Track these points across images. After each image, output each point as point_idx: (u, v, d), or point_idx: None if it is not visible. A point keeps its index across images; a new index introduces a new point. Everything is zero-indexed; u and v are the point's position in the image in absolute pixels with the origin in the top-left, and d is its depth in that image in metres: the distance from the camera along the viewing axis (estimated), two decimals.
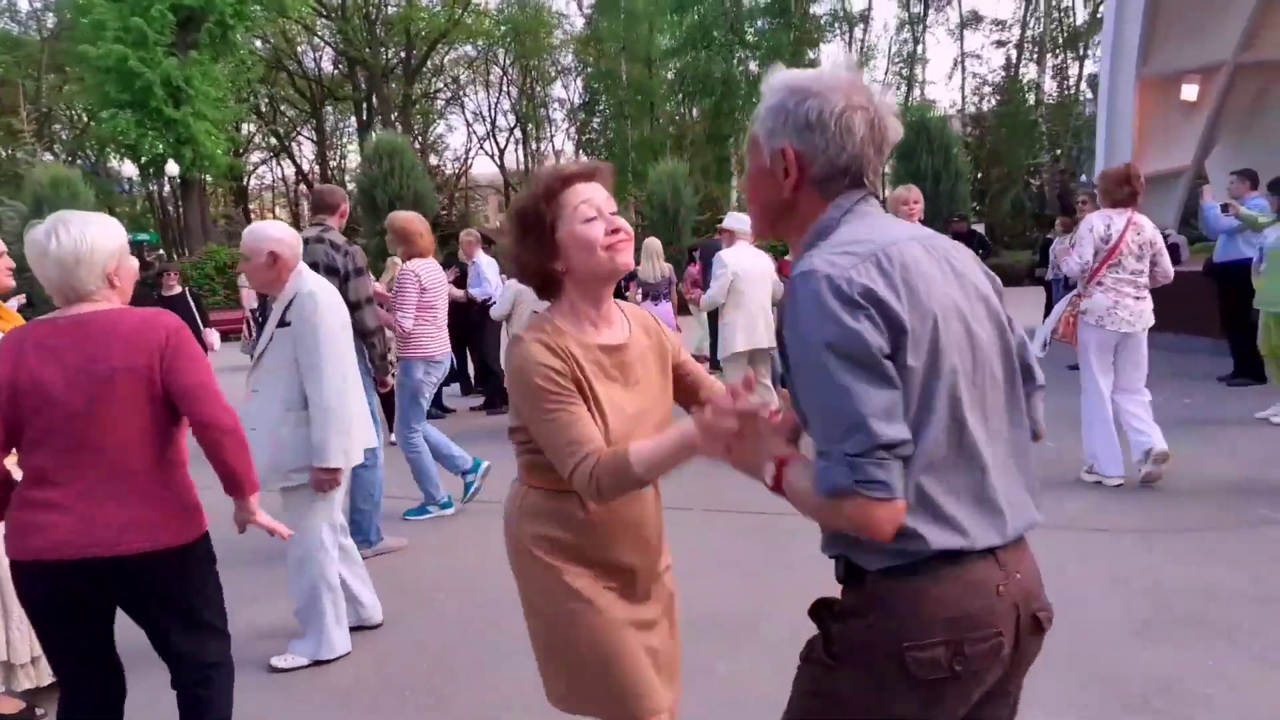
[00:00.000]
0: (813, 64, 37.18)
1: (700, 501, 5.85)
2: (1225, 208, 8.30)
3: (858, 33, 39.12)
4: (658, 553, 2.17)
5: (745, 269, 7.16)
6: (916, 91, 39.39)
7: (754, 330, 7.14)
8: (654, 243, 10.36)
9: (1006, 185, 30.07)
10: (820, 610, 1.61)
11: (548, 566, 2.05)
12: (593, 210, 1.98)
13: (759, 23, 33.51)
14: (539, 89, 43.65)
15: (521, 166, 44.58)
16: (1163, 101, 13.03)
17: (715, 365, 10.89)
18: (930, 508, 1.44)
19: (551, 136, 45.88)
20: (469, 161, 46.23)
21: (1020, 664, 1.57)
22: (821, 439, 1.42)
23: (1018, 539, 1.54)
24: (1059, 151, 33.70)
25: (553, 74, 43.53)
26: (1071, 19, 35.23)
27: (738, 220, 7.61)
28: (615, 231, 1.98)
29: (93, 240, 2.35)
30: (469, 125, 48.52)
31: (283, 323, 3.48)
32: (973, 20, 38.49)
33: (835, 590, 1.60)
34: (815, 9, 35.47)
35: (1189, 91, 12.90)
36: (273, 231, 3.53)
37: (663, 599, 2.18)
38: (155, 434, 2.37)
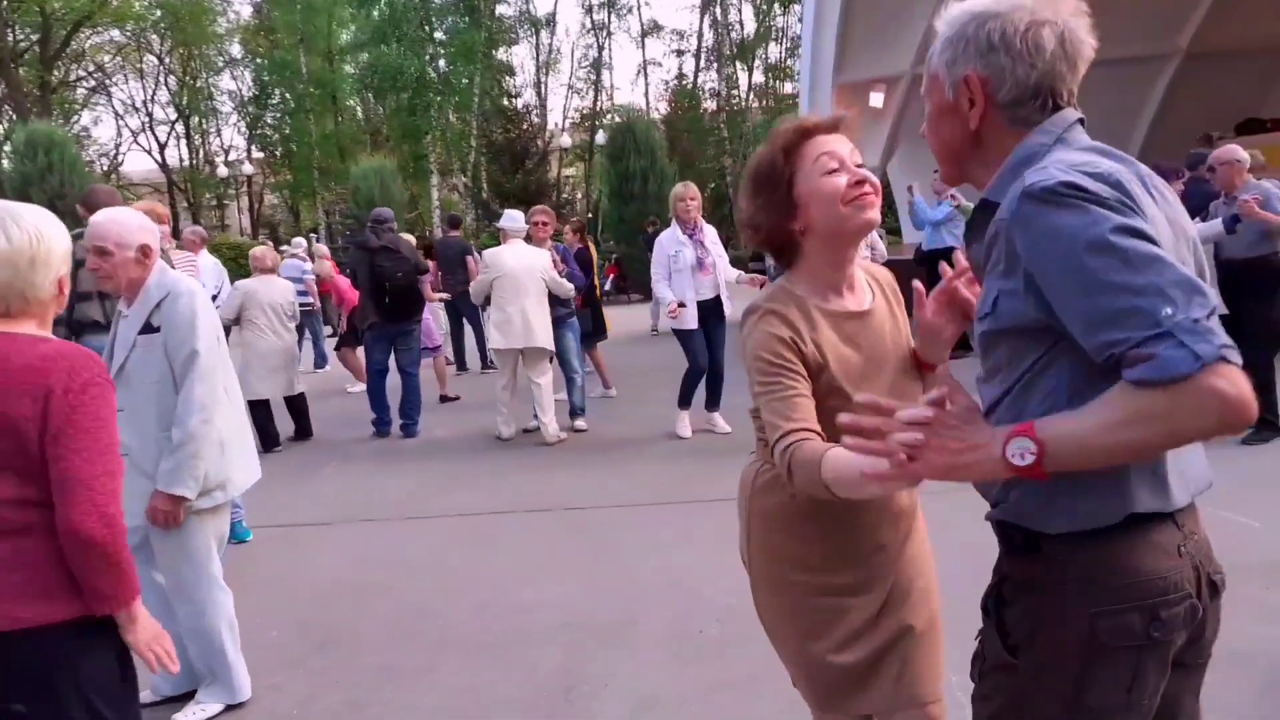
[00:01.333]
0: (504, 65, 38.23)
1: (523, 503, 5.74)
2: (953, 198, 9.31)
3: (544, 36, 39.81)
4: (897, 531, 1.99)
5: (508, 268, 7.18)
6: (605, 96, 40.78)
7: (509, 329, 7.17)
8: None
9: (701, 188, 31.74)
10: (989, 600, 1.50)
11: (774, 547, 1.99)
12: (835, 162, 1.84)
13: (449, 20, 33.03)
14: (204, 79, 40.14)
15: (186, 163, 40.86)
16: (854, 107, 14.44)
17: (488, 363, 10.73)
18: (1154, 465, 1.36)
19: (219, 130, 42.47)
20: (119, 157, 41.53)
21: (1205, 631, 1.46)
22: (1145, 324, 1.18)
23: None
24: (732, 159, 36.34)
25: (220, 64, 40.23)
26: (740, 33, 38.03)
27: (511, 219, 7.64)
28: (860, 183, 1.82)
29: (50, 238, 1.84)
30: (119, 117, 43.46)
31: (149, 328, 2.91)
32: (653, 29, 40.41)
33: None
34: (503, 9, 35.64)
35: (876, 99, 14.41)
36: (141, 220, 2.95)
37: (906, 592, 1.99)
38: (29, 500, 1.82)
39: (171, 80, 40.68)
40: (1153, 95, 15.07)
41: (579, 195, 39.21)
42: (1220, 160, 6.25)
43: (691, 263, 6.78)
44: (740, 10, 37.74)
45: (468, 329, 11.29)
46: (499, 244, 7.55)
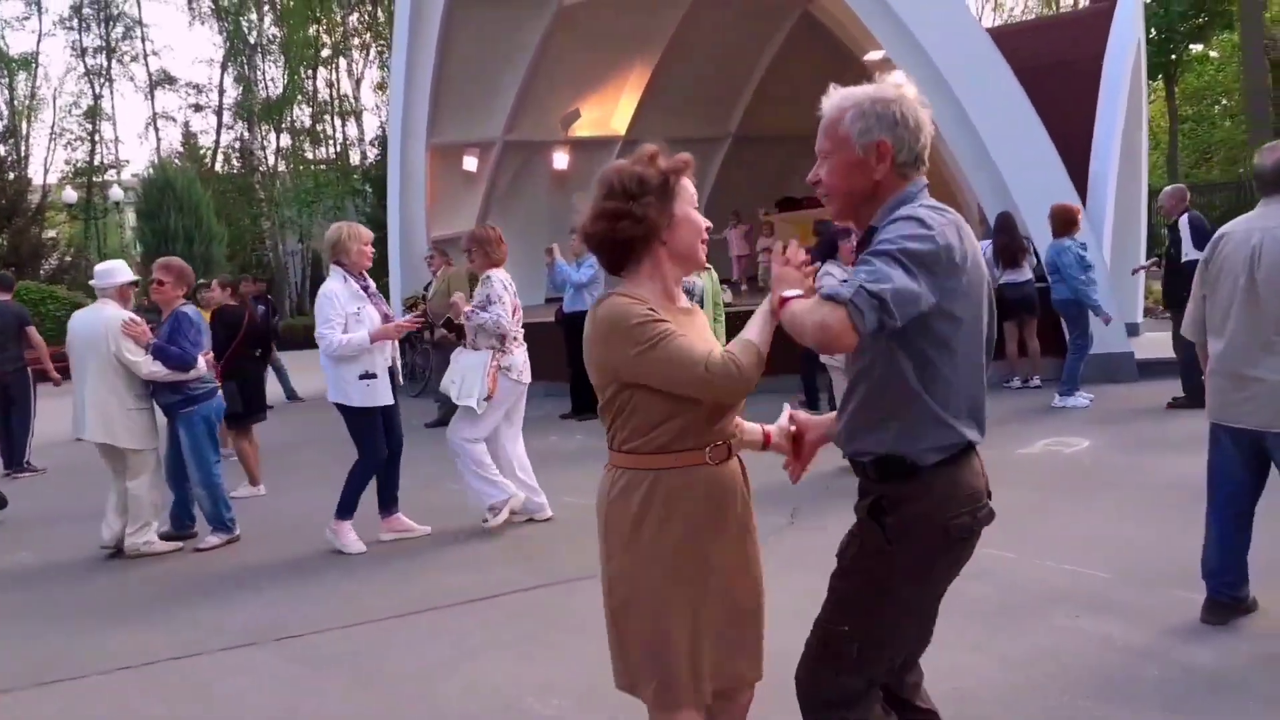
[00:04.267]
0: None
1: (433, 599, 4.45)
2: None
3: (22, 81, 34.20)
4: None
5: (70, 338, 5.94)
6: (103, 149, 35.94)
7: (74, 415, 5.90)
8: None
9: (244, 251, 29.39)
10: (866, 508, 2.09)
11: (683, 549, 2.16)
12: (696, 203, 2.22)
13: None
14: None
15: None
16: (449, 170, 14.08)
17: None
18: (972, 413, 2.08)
19: None
20: None
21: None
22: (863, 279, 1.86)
23: None
24: (270, 222, 33.98)
25: None
26: (267, 92, 35.76)
27: (104, 274, 6.11)
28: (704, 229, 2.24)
29: None
30: None
31: None
32: (165, 80, 36.53)
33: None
34: None
35: (470, 163, 14.19)
36: None
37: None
38: None
39: None
40: (711, 170, 16.72)
41: (86, 257, 33.84)
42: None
43: (378, 322, 5.59)
44: (265, 69, 35.45)
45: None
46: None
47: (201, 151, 35.79)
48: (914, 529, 2.02)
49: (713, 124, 16.51)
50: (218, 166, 35.91)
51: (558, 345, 9.96)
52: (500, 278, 5.74)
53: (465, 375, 5.68)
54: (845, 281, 1.87)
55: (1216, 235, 3.79)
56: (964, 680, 3.45)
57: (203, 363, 5.95)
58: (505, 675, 3.81)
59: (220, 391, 6.31)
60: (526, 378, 5.87)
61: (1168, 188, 8.88)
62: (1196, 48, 27.55)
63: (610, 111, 15.92)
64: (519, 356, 5.81)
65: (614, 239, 2.15)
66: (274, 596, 5.01)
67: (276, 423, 11.24)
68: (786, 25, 15.95)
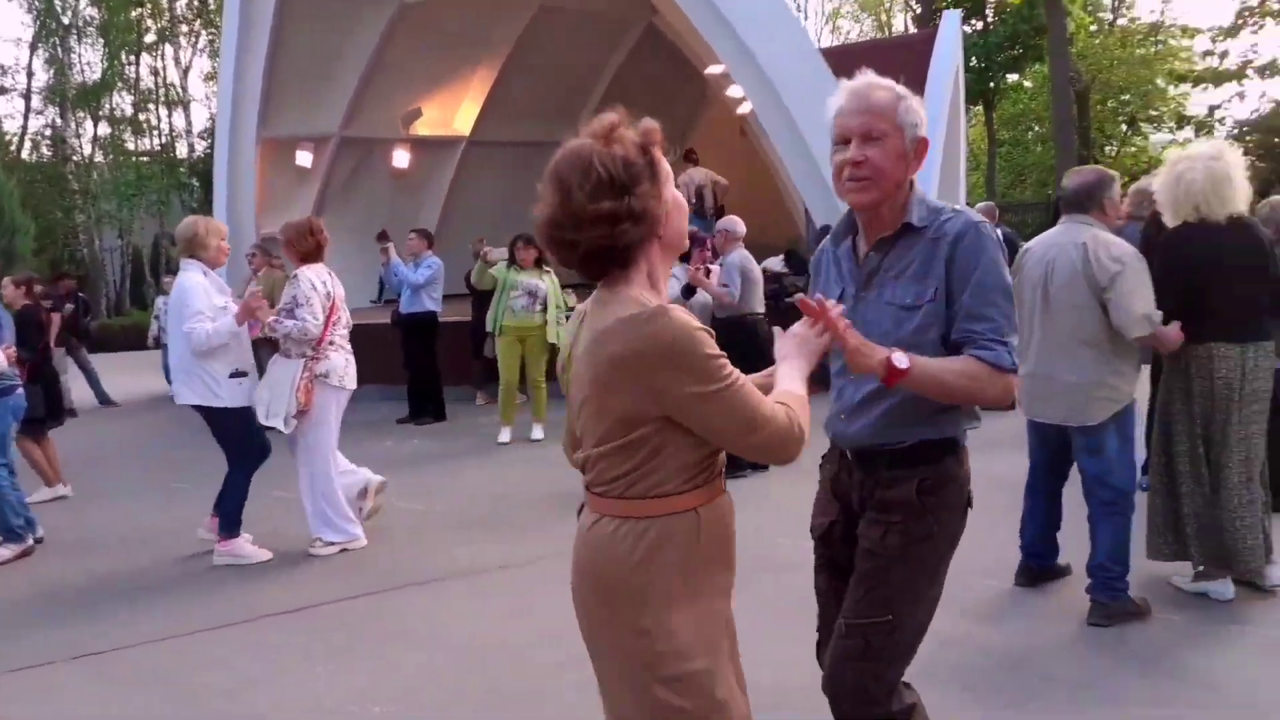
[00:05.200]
0: None
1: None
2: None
3: None
4: None
5: None
6: None
7: None
8: None
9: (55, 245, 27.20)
10: (918, 492, 2.13)
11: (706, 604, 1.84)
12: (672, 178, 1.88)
13: None
14: None
15: None
16: (281, 164, 13.51)
17: None
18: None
19: None
20: None
21: None
22: (999, 330, 2.06)
23: None
24: (85, 215, 31.68)
25: None
26: (83, 76, 33.33)
27: None
28: None
29: None
30: None
31: None
32: None
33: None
34: None
35: (303, 158, 13.66)
36: None
37: None
38: None
39: None
40: None
41: None
42: (719, 229, 7.12)
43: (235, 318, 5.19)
44: (81, 51, 32.98)
45: None
46: None
47: (7, 138, 33.07)
48: (952, 503, 2.15)
49: (560, 129, 16.28)
50: (24, 154, 33.26)
51: (394, 347, 9.71)
52: (310, 276, 5.25)
53: (274, 390, 5.19)
54: (1002, 342, 2.04)
55: (1021, 250, 4.12)
56: (786, 673, 3.55)
57: (2, 358, 5.54)
58: (324, 685, 3.69)
59: (21, 391, 5.85)
60: (350, 382, 5.41)
61: (979, 204, 9.49)
62: (1013, 77, 29.54)
63: (453, 111, 15.67)
64: (338, 360, 5.33)
65: (613, 246, 1.75)
66: (74, 612, 4.67)
67: (86, 428, 10.53)
68: (632, 36, 16.12)
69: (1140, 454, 4.23)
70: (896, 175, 2.07)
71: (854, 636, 2.12)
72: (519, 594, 4.61)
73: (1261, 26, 24.71)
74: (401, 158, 15.01)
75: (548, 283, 8.18)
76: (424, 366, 9.67)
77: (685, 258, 6.97)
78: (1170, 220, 4.04)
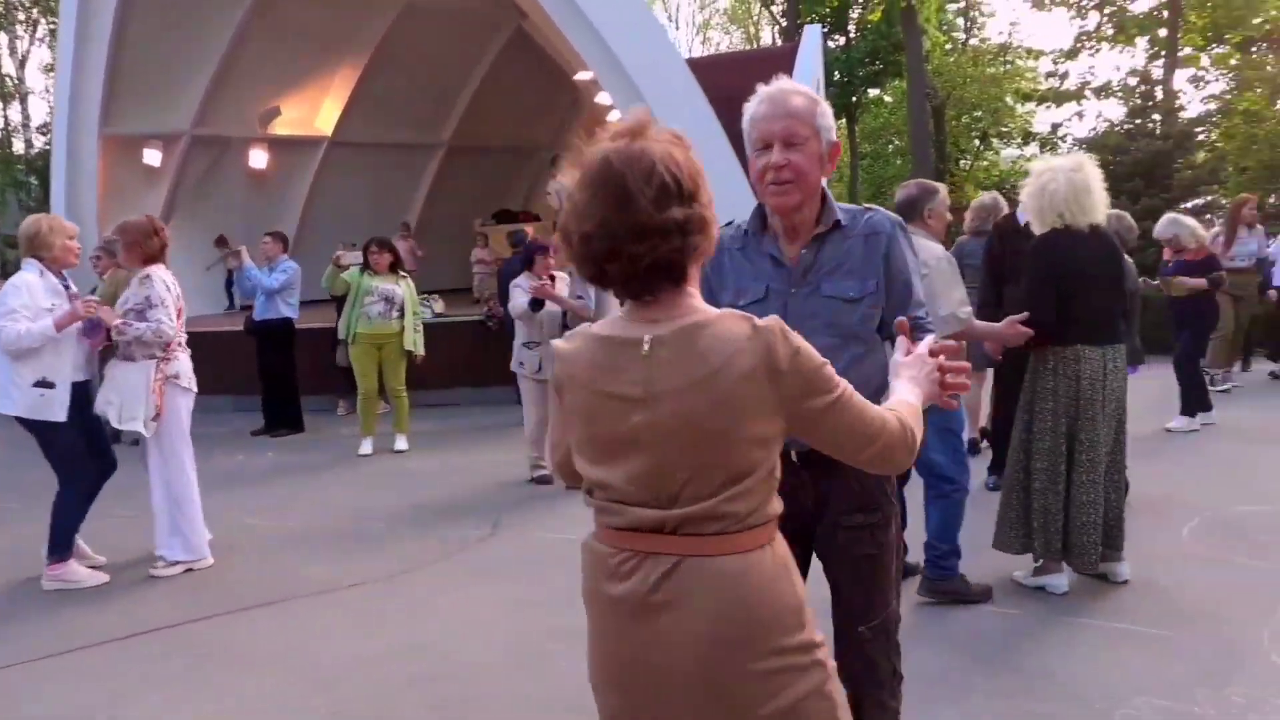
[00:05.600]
0: None
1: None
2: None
3: None
4: None
5: None
6: None
7: None
8: None
9: None
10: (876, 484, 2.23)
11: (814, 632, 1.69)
12: None
13: None
14: None
15: None
16: (126, 163, 12.78)
17: None
18: None
19: None
20: None
21: None
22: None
23: None
24: None
25: None
26: None
27: None
28: None
29: None
30: None
31: None
32: None
33: None
34: None
35: (152, 156, 12.97)
36: None
37: None
38: None
39: None
40: (424, 179, 16.35)
41: None
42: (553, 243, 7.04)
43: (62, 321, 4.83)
44: None
45: None
46: None
47: None
48: (891, 484, 2.29)
49: (426, 131, 16.17)
50: None
51: (248, 356, 9.28)
52: (162, 276, 5.07)
53: (124, 394, 4.93)
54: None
55: None
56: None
57: None
58: (163, 713, 3.47)
59: None
60: (195, 386, 5.22)
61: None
62: (874, 92, 30.65)
63: (314, 111, 15.15)
64: (185, 361, 5.15)
65: (683, 259, 1.59)
66: None
67: None
68: (500, 39, 15.95)
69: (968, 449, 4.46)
70: (816, 177, 2.16)
71: (874, 630, 2.25)
72: (372, 611, 4.46)
73: (1098, 51, 26.31)
74: (259, 158, 14.43)
75: (404, 288, 7.96)
76: (280, 376, 9.26)
77: (528, 266, 6.87)
78: (1038, 228, 4.25)
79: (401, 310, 7.88)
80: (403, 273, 8.11)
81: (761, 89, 2.20)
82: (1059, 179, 4.12)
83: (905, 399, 1.73)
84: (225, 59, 12.98)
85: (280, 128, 14.50)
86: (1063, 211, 4.12)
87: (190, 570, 5.08)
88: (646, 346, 1.60)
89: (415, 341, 7.96)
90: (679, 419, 1.57)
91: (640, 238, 1.54)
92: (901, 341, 1.86)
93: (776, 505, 1.65)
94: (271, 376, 9.26)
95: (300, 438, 9.10)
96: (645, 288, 1.60)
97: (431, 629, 4.17)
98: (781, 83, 2.18)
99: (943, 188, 4.61)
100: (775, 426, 1.60)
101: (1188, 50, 24.07)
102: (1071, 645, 3.73)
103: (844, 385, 1.62)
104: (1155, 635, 3.76)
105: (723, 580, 1.58)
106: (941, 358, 1.82)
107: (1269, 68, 22.93)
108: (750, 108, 2.19)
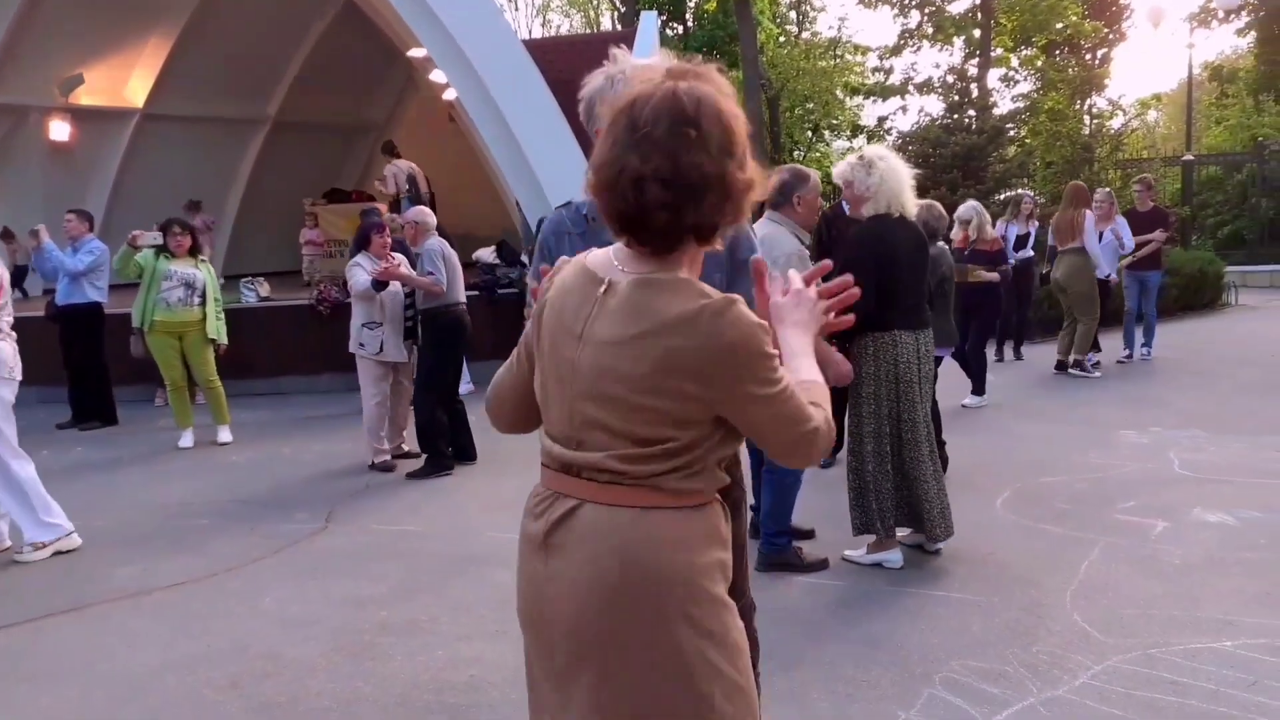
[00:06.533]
0: None
1: None
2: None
3: None
4: None
5: None
6: None
7: None
8: None
9: None
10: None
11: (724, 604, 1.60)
12: None
13: None
14: None
15: None
16: None
17: None
18: None
19: None
20: None
21: None
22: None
23: None
24: None
25: None
26: None
27: None
28: None
29: None
30: None
31: None
32: None
33: None
34: None
35: None
36: None
37: None
38: None
39: None
40: (248, 155, 15.49)
41: None
42: (406, 220, 6.85)
43: None
44: None
45: None
46: None
47: None
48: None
49: (248, 105, 15.31)
50: None
51: (51, 343, 8.56)
52: None
53: None
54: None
55: None
56: (478, 668, 3.47)
57: None
58: None
59: None
60: (19, 374, 4.98)
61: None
62: None
63: (123, 80, 14.08)
64: (7, 349, 4.89)
65: (720, 221, 1.57)
66: None
67: None
68: (329, 12, 15.25)
69: None
70: None
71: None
72: (191, 613, 4.19)
73: (919, 48, 27.63)
74: (61, 129, 13.32)
75: (205, 272, 7.51)
76: (87, 364, 8.61)
77: (364, 246, 6.62)
78: (868, 212, 4.34)
79: (203, 296, 7.43)
80: (202, 257, 7.68)
81: (612, 65, 2.10)
82: (893, 166, 4.28)
83: (811, 380, 1.64)
84: (18, 17, 11.90)
85: (85, 97, 13.42)
86: (891, 199, 4.27)
87: (59, 554, 4.99)
88: (603, 289, 1.58)
89: (218, 330, 7.52)
90: (594, 369, 1.55)
91: (702, 194, 1.51)
92: (775, 281, 1.72)
93: (709, 479, 1.61)
94: (78, 365, 8.60)
95: (112, 431, 8.50)
96: (665, 242, 1.55)
97: (256, 628, 3.97)
98: (633, 59, 2.08)
99: (815, 174, 4.68)
100: (695, 405, 1.54)
101: (999, 51, 25.59)
102: (895, 614, 3.90)
103: (785, 381, 1.56)
104: (972, 601, 3.98)
105: (609, 531, 1.55)
106: (818, 283, 1.72)
107: (1070, 70, 24.73)
108: (596, 84, 2.09)
